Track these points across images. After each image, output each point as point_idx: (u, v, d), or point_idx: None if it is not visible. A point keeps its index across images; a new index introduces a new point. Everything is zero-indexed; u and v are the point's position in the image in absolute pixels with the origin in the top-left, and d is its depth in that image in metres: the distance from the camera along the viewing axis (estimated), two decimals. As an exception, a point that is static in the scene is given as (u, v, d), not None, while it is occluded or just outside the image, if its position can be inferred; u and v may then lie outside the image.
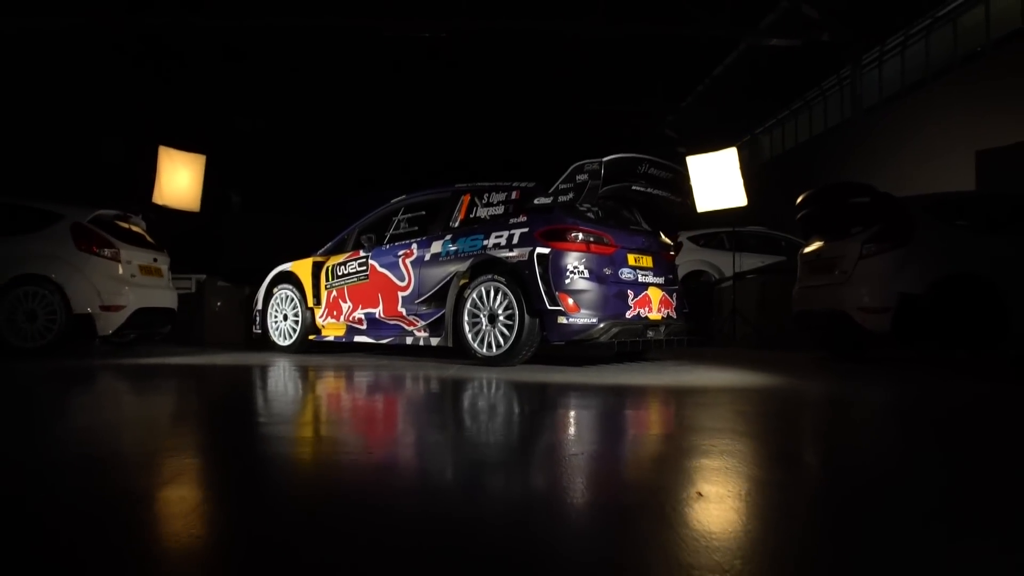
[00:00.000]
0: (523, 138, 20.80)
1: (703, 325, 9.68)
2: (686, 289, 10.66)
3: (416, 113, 19.37)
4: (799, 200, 6.91)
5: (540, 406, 3.70)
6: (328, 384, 4.71)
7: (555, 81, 18.04)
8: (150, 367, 5.81)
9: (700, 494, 1.88)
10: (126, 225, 7.54)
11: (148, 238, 7.89)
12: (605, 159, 5.38)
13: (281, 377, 5.17)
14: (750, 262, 11.62)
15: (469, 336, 5.60)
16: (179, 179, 9.23)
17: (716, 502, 1.80)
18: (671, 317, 5.84)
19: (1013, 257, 5.58)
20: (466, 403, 3.85)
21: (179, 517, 1.70)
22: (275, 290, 7.36)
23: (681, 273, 11.65)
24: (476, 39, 15.43)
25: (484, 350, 5.52)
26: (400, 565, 1.38)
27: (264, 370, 5.60)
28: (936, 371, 5.50)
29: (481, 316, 5.55)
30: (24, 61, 12.88)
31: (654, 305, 5.63)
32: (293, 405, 3.84)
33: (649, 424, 3.38)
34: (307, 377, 5.04)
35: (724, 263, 11.46)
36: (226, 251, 14.77)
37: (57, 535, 1.55)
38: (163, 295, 7.66)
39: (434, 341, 5.93)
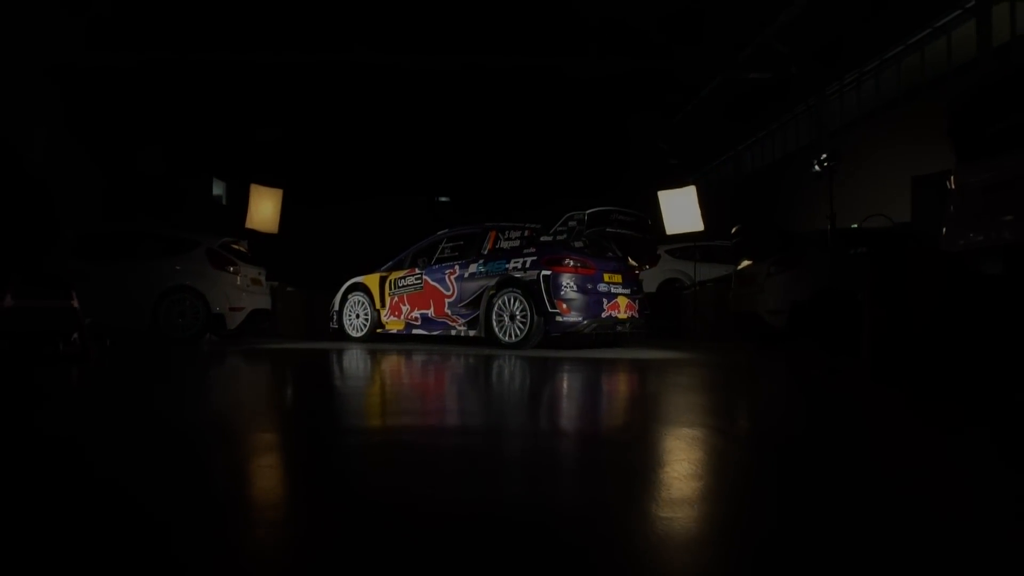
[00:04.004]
0: (531, 148, 23.44)
1: (672, 322, 12.31)
2: (660, 293, 13.28)
3: (433, 137, 22.02)
4: (732, 231, 9.55)
5: (544, 369, 6.34)
6: (404, 359, 7.34)
7: (561, 103, 20.63)
8: (272, 351, 8.45)
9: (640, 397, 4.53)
10: (237, 247, 10.21)
11: (250, 255, 10.56)
12: (588, 211, 8.07)
13: (368, 355, 7.80)
14: (717, 271, 14.05)
15: (496, 329, 8.27)
16: (264, 209, 11.89)
17: (640, 396, 4.43)
18: (634, 317, 8.49)
19: (859, 275, 8.20)
20: (496, 369, 6.48)
21: (297, 428, 4.34)
22: (349, 296, 10.02)
23: (658, 280, 14.28)
24: (490, 73, 18.07)
25: (507, 339, 8.19)
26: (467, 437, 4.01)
27: (353, 352, 8.24)
28: (795, 352, 8.12)
29: (504, 316, 8.22)
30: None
31: (621, 308, 8.29)
32: (380, 368, 6.48)
33: (612, 374, 6.02)
34: (388, 355, 7.67)
35: (696, 271, 14.00)
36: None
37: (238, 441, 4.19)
38: (264, 299, 10.35)
39: (471, 333, 8.60)
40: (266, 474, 2.25)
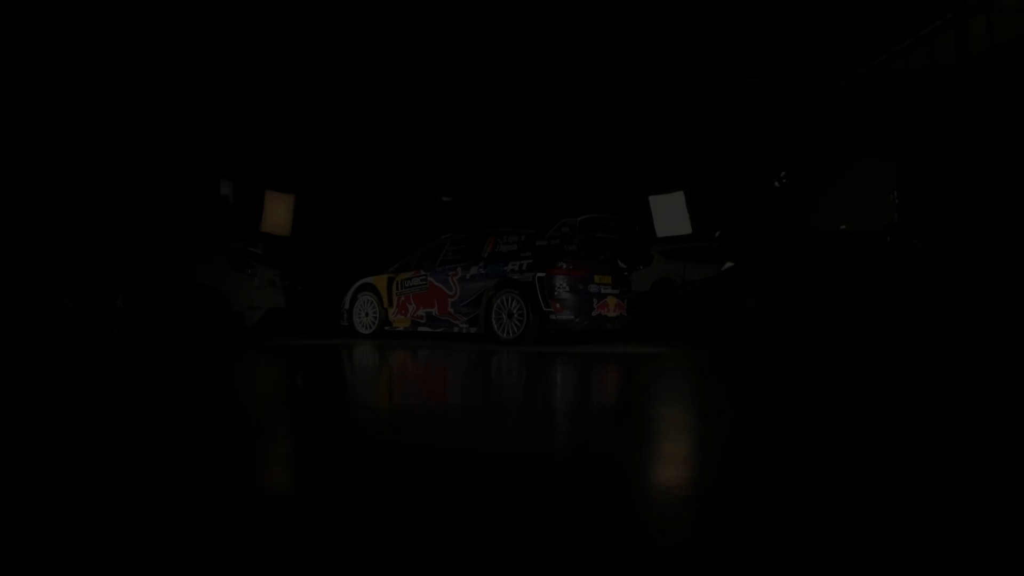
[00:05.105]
0: (542, 155, 24.16)
1: (664, 320, 13.01)
2: (653, 293, 13.95)
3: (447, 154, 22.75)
4: (715, 234, 10.24)
5: (539, 361, 7.04)
6: (410, 353, 8.05)
7: (576, 113, 21.31)
8: (290, 346, 9.16)
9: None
10: (255, 250, 10.94)
11: (264, 257, 11.28)
12: (580, 218, 8.77)
13: (377, 350, 8.51)
14: (708, 271, 14.79)
15: (495, 327, 8.98)
16: (278, 213, 12.62)
17: (623, 383, 5.14)
18: (622, 315, 9.20)
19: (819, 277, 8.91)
20: (495, 361, 7.18)
21: (326, 400, 5.05)
22: (359, 296, 10.74)
23: (651, 280, 14.99)
24: (488, 76, 18.76)
25: (505, 336, 8.90)
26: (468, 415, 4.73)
27: (364, 347, 8.95)
28: (763, 346, 8.81)
29: (503, 315, 8.93)
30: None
31: (611, 307, 8.99)
32: (390, 360, 7.18)
33: (600, 366, 6.72)
34: (396, 350, 8.38)
35: (687, 271, 14.69)
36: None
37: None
38: (279, 299, 11.07)
39: (472, 331, 9.31)
40: (289, 436, 2.96)
